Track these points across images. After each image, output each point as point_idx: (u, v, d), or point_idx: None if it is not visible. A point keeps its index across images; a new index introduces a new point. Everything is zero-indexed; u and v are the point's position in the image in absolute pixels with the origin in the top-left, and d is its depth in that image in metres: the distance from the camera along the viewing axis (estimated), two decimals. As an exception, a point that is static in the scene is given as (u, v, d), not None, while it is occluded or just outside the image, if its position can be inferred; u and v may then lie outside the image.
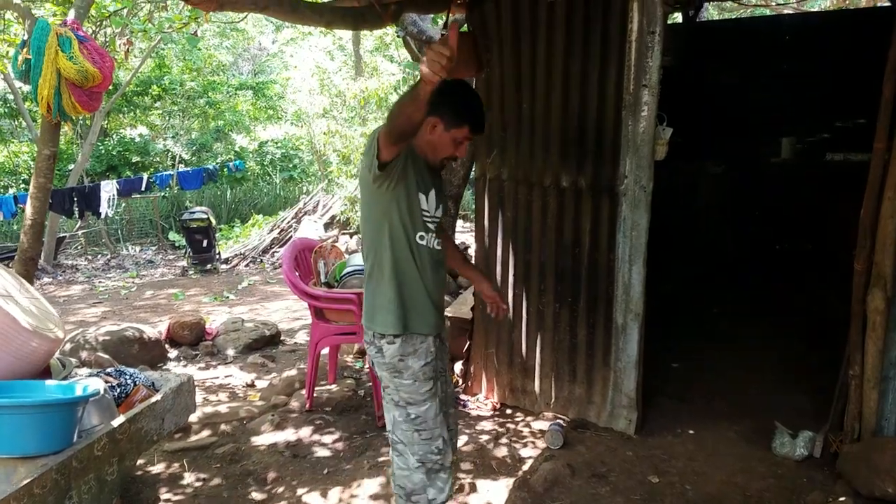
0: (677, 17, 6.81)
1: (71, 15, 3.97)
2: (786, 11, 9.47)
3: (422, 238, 2.27)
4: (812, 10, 10.69)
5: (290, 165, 18.99)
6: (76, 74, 3.60)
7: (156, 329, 5.77)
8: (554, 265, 3.77)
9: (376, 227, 2.26)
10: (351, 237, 11.67)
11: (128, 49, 6.76)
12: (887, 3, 6.86)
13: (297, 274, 4.06)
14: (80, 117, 14.80)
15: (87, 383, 2.45)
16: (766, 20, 7.77)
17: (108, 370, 2.76)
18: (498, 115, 3.75)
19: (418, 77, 1.82)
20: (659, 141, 3.44)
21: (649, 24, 3.18)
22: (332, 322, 4.01)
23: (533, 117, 3.64)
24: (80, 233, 12.90)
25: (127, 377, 2.69)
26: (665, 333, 4.45)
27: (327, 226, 12.31)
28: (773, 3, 10.06)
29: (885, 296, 2.79)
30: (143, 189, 11.00)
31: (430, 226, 2.30)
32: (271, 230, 12.34)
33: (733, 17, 9.72)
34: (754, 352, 4.67)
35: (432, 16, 5.30)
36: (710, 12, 10.50)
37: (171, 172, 11.78)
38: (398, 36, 5.59)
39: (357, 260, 4.14)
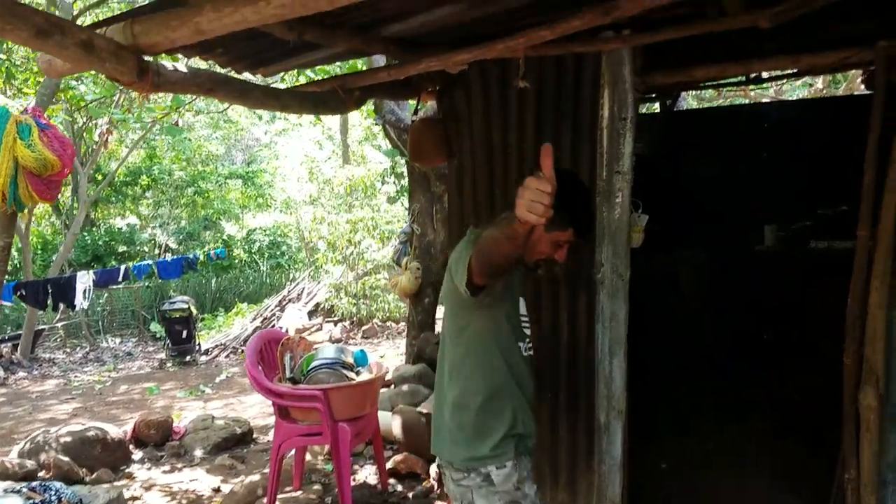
0: (655, 107, 6.88)
1: (32, 102, 3.90)
2: (764, 100, 9.66)
3: (523, 349, 2.11)
4: (790, 99, 10.95)
5: (278, 252, 18.93)
6: (34, 163, 3.47)
7: (122, 428, 5.48)
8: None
9: (472, 345, 2.05)
10: (335, 325, 11.46)
11: (106, 138, 6.73)
12: (864, 92, 6.96)
13: (260, 368, 3.83)
14: (67, 207, 14.78)
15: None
16: (745, 109, 7.89)
17: (33, 484, 2.52)
18: (470, 202, 3.64)
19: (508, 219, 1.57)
20: (634, 228, 3.32)
21: (620, 110, 3.11)
22: (297, 422, 3.76)
23: (507, 204, 3.52)
24: (59, 325, 12.60)
25: (52, 493, 2.44)
26: (648, 429, 4.19)
27: (311, 313, 12.12)
28: (752, 93, 10.30)
29: (878, 393, 2.59)
30: (120, 280, 10.77)
31: (527, 331, 2.13)
32: (254, 319, 12.10)
33: (714, 105, 9.89)
34: (743, 448, 4.40)
35: (411, 102, 5.31)
36: (690, 101, 10.73)
37: (150, 262, 11.60)
38: (376, 123, 5.59)
39: (327, 353, 3.93)
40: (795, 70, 2.76)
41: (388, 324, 11.55)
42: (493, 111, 3.45)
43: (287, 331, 9.31)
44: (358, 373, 3.92)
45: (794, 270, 5.53)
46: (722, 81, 5.83)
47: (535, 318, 3.50)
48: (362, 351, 4.07)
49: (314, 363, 3.82)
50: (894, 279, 2.55)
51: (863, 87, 6.24)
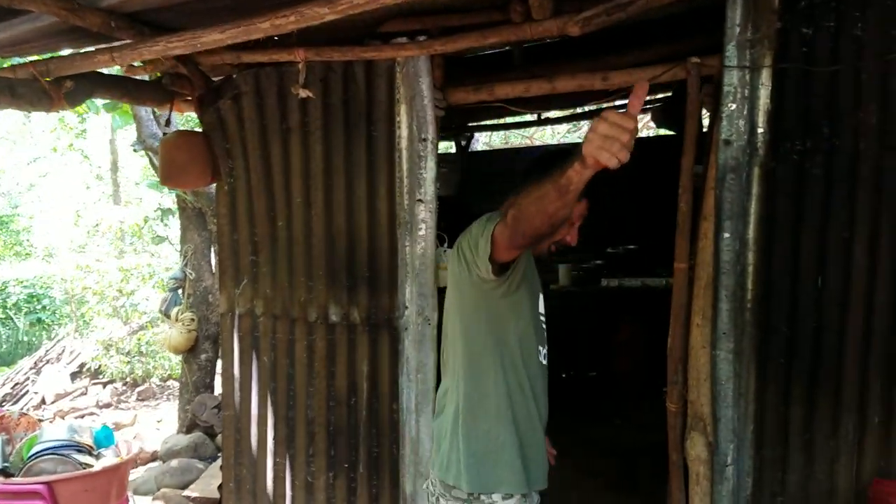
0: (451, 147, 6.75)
1: None
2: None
3: (541, 355, 1.86)
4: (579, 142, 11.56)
5: (39, 307, 16.45)
6: None
7: None
8: (325, 422, 3.00)
9: (479, 345, 1.78)
10: (104, 387, 9.98)
11: None
12: (651, 133, 7.38)
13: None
14: None
15: None
16: (544, 149, 8.06)
17: None
18: (247, 235, 3.03)
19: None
20: (441, 265, 2.92)
21: (420, 129, 2.72)
22: (11, 527, 2.82)
23: (291, 237, 2.97)
24: None
25: None
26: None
27: (75, 375, 10.52)
28: (546, 131, 10.72)
29: (707, 440, 2.36)
30: None
31: (545, 335, 1.89)
32: (3, 384, 10.21)
33: (511, 147, 10.12)
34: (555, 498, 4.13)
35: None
36: (498, 140, 10.96)
37: None
38: (134, 150, 4.76)
39: (56, 433, 3.04)
40: (606, 88, 2.52)
41: (168, 383, 10.27)
42: (272, 126, 2.89)
43: (43, 398, 7.90)
44: (99, 456, 3.06)
45: (589, 308, 5.56)
46: (516, 121, 5.84)
47: (331, 372, 2.97)
48: (106, 427, 3.21)
49: (36, 447, 2.91)
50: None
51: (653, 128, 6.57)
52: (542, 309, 1.91)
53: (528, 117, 5.52)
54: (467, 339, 1.84)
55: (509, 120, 5.76)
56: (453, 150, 6.47)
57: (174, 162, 2.77)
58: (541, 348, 1.88)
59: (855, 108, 2.26)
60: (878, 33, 2.22)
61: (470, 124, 5.36)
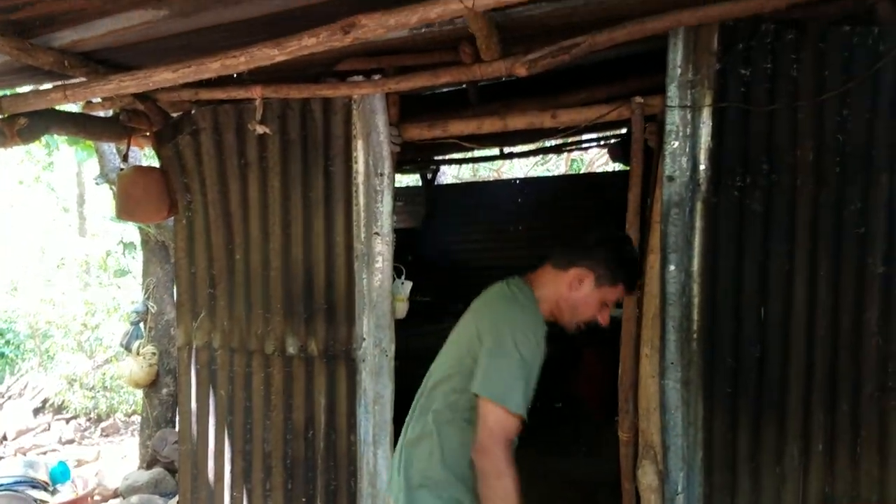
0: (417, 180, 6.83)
1: None
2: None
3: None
4: (548, 175, 11.74)
5: (3, 342, 16.10)
6: None
7: None
8: (282, 455, 2.98)
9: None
10: (67, 423, 9.77)
11: None
12: (607, 169, 7.53)
13: None
14: None
15: None
16: (505, 183, 8.16)
17: None
18: (205, 268, 3.04)
19: None
20: (398, 297, 2.96)
21: (377, 165, 2.78)
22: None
23: (248, 270, 2.98)
24: None
25: None
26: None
27: (38, 411, 10.29)
28: (515, 164, 10.87)
29: (658, 469, 2.40)
30: None
31: None
32: (-39, 423, 9.91)
33: (476, 180, 10.23)
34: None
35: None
36: (468, 173, 11.08)
37: None
38: (97, 184, 4.75)
39: (9, 469, 2.99)
40: (556, 126, 2.60)
41: (133, 418, 10.07)
42: (230, 161, 2.92)
43: (4, 434, 7.72)
44: (55, 492, 3.01)
45: (553, 339, 5.57)
46: (477, 155, 5.95)
47: (288, 404, 2.97)
48: (62, 463, 3.17)
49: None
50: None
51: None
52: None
53: (497, 151, 5.63)
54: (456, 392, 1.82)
55: (477, 154, 5.86)
56: (420, 184, 6.55)
57: (130, 196, 2.78)
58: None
59: (792, 146, 2.36)
60: (812, 74, 2.33)
61: (436, 158, 5.45)
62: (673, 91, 2.38)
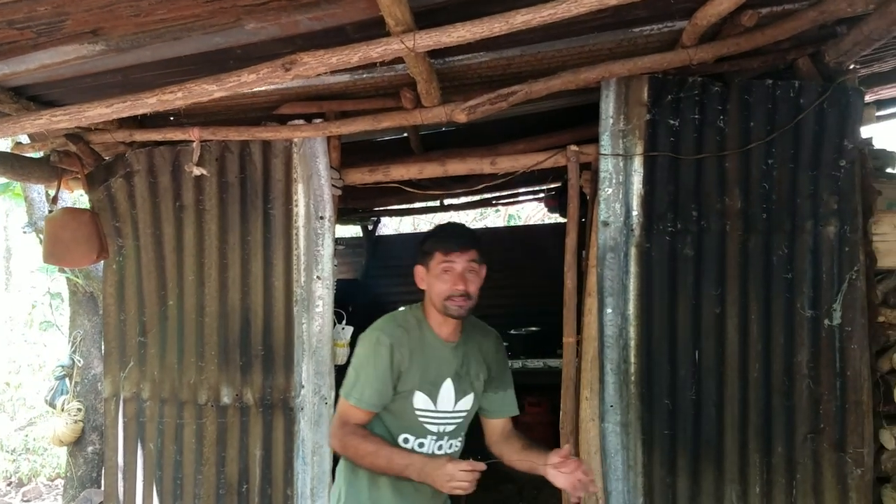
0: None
1: None
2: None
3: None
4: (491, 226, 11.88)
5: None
6: None
7: None
8: (214, 511, 2.84)
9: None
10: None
11: None
12: (548, 221, 7.66)
13: None
14: None
15: None
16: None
17: None
18: (135, 315, 2.93)
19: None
20: (338, 342, 2.91)
21: (318, 208, 2.76)
22: None
23: (182, 316, 2.89)
24: None
25: None
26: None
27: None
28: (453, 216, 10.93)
29: (598, 511, 2.39)
30: None
31: (431, 427, 1.97)
32: None
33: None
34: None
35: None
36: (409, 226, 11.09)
37: None
38: (25, 233, 4.57)
39: None
40: (495, 172, 2.65)
41: (56, 482, 9.47)
42: (165, 203, 2.86)
43: None
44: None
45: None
46: (418, 206, 5.99)
47: (221, 457, 2.85)
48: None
49: None
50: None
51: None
52: (423, 406, 1.96)
53: (438, 202, 5.67)
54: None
55: (417, 205, 5.89)
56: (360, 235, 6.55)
57: (58, 239, 2.68)
58: (408, 436, 1.96)
59: (720, 193, 2.45)
60: (738, 125, 2.45)
61: (376, 209, 5.47)
62: (606, 140, 2.46)
